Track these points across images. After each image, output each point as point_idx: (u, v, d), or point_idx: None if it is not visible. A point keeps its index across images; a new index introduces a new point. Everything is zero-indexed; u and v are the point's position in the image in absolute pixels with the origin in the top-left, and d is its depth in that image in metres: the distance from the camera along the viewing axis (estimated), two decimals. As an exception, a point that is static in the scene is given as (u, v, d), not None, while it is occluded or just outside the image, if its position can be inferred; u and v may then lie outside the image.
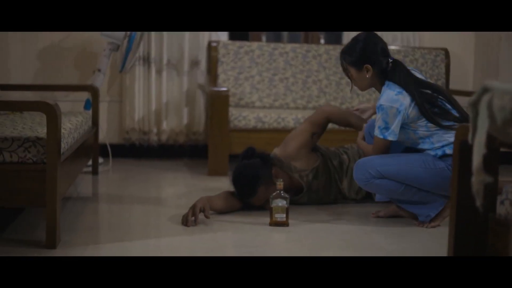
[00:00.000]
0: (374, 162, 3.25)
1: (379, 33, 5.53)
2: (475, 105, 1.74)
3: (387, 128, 3.19)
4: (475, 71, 5.79)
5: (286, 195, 3.28)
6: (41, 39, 5.24)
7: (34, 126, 3.28)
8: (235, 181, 3.54)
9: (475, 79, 5.78)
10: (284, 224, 3.28)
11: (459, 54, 5.77)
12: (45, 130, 3.06)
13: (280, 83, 5.35)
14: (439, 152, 3.20)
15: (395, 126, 3.18)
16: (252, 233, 3.18)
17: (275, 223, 3.28)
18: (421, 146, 3.27)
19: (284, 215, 3.27)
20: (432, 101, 3.21)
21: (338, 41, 5.83)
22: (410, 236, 3.19)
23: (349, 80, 3.42)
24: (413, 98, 3.17)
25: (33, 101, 2.85)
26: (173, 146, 5.49)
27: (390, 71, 3.27)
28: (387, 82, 3.26)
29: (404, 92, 3.19)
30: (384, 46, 3.31)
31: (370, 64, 3.25)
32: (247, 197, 3.53)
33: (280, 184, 3.28)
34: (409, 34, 5.65)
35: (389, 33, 5.58)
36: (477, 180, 1.69)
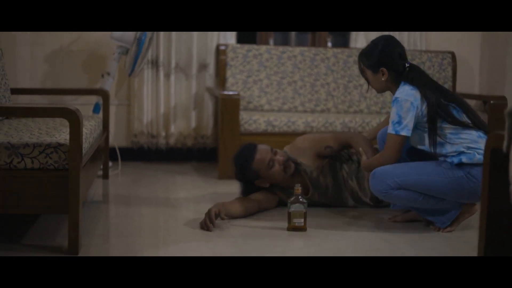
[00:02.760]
0: (392, 173, 3.22)
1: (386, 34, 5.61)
2: (511, 114, 1.75)
3: (400, 122, 3.18)
4: (481, 74, 5.81)
5: (304, 200, 3.29)
6: (49, 42, 5.23)
7: (50, 131, 3.28)
8: (235, 159, 3.73)
9: (481, 82, 5.80)
10: (302, 229, 3.28)
11: (466, 57, 5.79)
12: (62, 135, 3.07)
13: (289, 86, 5.37)
14: (455, 160, 3.19)
15: (409, 120, 3.17)
16: (271, 238, 3.19)
17: (293, 228, 3.29)
18: (435, 150, 3.26)
19: (302, 220, 3.28)
20: (443, 107, 3.21)
21: (345, 44, 5.84)
22: (427, 241, 3.20)
23: (365, 81, 3.46)
24: (425, 98, 3.19)
25: (55, 107, 2.85)
26: (181, 150, 5.49)
27: (406, 75, 3.28)
28: (402, 82, 3.27)
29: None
30: (401, 50, 3.32)
31: (386, 68, 3.27)
32: (247, 163, 3.64)
33: (298, 189, 3.29)
34: (416, 37, 5.67)
35: (396, 36, 5.59)
36: (516, 189, 1.70)
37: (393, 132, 3.20)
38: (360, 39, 5.62)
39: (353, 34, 5.66)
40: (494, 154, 2.06)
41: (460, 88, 5.72)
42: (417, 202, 3.25)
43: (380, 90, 3.39)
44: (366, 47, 3.37)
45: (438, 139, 3.20)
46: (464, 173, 3.17)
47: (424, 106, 3.18)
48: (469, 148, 3.16)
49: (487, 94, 5.50)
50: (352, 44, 5.66)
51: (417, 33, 5.67)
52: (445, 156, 3.22)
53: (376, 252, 2.99)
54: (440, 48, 5.73)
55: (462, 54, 5.76)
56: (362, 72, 3.40)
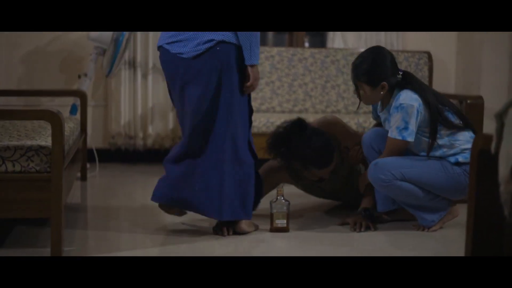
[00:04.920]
0: (396, 164, 3.21)
1: (363, 34, 5.62)
2: (501, 116, 1.76)
3: (406, 128, 3.18)
4: (457, 74, 5.86)
5: (287, 201, 3.28)
6: (25, 43, 5.17)
7: (29, 133, 3.24)
8: (309, 153, 3.37)
9: (457, 82, 5.85)
10: (285, 230, 3.28)
11: (442, 58, 5.83)
12: (42, 137, 3.03)
13: (266, 86, 5.36)
14: (452, 159, 3.25)
15: (414, 125, 3.19)
16: (253, 239, 3.18)
17: (275, 229, 3.28)
18: (432, 153, 3.28)
19: (285, 221, 3.28)
20: (441, 112, 3.24)
21: (322, 44, 5.86)
22: (412, 240, 3.22)
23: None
24: (426, 103, 3.21)
25: (37, 109, 2.81)
26: (159, 151, 5.45)
27: (402, 82, 3.28)
28: (397, 89, 3.26)
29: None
30: (392, 58, 3.30)
31: (386, 81, 3.24)
32: (325, 165, 3.41)
33: (280, 190, 3.28)
34: (393, 37, 5.70)
35: (373, 37, 5.62)
36: (506, 190, 1.71)
37: (400, 138, 3.20)
38: (337, 39, 5.64)
39: (330, 34, 5.67)
40: (482, 155, 2.08)
41: (437, 88, 5.74)
42: (414, 197, 3.27)
43: (374, 103, 3.37)
44: (359, 62, 3.29)
45: (437, 143, 3.24)
46: (461, 170, 3.23)
47: (425, 111, 3.21)
48: (464, 149, 3.24)
49: (463, 94, 5.54)
50: (329, 44, 5.68)
51: (394, 33, 5.70)
52: (441, 158, 3.27)
53: (361, 253, 3.00)
54: (416, 48, 5.77)
55: (438, 54, 5.80)
56: (357, 87, 3.30)
